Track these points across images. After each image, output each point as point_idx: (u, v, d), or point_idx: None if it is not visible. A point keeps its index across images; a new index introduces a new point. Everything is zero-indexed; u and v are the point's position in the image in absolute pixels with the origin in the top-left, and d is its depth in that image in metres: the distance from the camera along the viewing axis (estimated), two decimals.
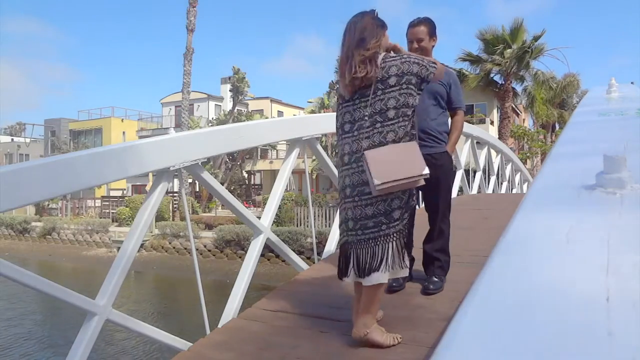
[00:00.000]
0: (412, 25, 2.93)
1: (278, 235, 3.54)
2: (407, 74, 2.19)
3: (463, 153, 7.71)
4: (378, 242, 2.19)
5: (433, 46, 2.95)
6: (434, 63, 2.29)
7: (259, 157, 29.29)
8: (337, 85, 2.45)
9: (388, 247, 2.18)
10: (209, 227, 19.24)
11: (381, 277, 2.19)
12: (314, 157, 12.28)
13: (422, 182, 2.21)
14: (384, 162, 2.11)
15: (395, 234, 2.19)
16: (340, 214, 2.34)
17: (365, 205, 2.19)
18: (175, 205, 21.03)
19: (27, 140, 38.71)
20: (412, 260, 3.08)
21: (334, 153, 23.98)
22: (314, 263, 3.95)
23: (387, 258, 2.18)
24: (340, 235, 2.41)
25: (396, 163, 2.11)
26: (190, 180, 20.88)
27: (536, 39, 20.30)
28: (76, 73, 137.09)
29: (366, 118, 2.20)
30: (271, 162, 28.39)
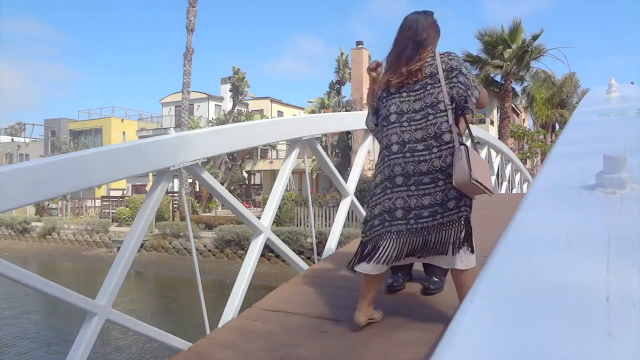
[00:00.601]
0: None
1: (278, 235, 3.54)
2: (455, 70, 2.27)
3: None
4: (431, 231, 2.22)
5: None
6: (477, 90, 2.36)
7: (259, 157, 29.29)
8: (380, 75, 2.45)
9: (444, 235, 2.22)
10: (209, 227, 19.24)
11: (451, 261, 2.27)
12: (314, 157, 12.28)
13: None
14: (477, 163, 2.17)
15: (448, 224, 2.22)
16: (380, 203, 2.29)
17: (422, 194, 2.20)
18: (175, 205, 21.03)
19: (27, 140, 38.72)
20: None
21: (333, 153, 23.99)
22: (314, 263, 3.95)
23: (451, 242, 2.23)
24: (376, 225, 2.29)
25: (482, 170, 2.20)
26: (190, 180, 20.88)
27: (535, 38, 20.30)
28: (76, 73, 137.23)
29: (417, 111, 2.25)
30: (271, 162, 28.39)
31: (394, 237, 2.24)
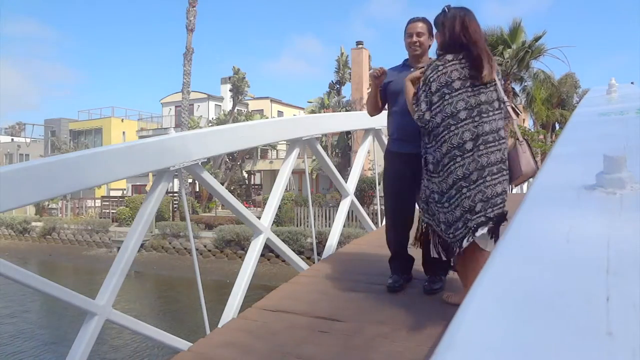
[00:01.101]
0: (413, 20, 2.99)
1: (278, 235, 3.54)
2: (498, 74, 2.47)
3: None
4: (504, 217, 2.37)
5: (430, 46, 2.99)
6: None
7: (259, 157, 29.27)
8: (436, 71, 2.40)
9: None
10: (209, 227, 19.23)
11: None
12: (314, 157, 12.27)
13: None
14: None
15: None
16: (459, 205, 2.34)
17: (495, 184, 2.35)
18: (175, 205, 21.02)
19: (27, 140, 38.70)
20: (411, 260, 3.08)
21: (333, 153, 23.97)
22: (314, 263, 3.95)
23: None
24: (460, 228, 2.35)
25: None
26: (190, 180, 20.86)
27: (537, 39, 20.27)
28: (75, 74, 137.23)
29: (481, 104, 2.36)
30: (271, 162, 28.37)
31: (477, 231, 2.33)
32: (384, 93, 3.03)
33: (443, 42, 2.45)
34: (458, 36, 2.35)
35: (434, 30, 2.62)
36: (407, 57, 3.07)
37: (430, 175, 2.44)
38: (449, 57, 2.36)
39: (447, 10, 2.44)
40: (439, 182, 2.39)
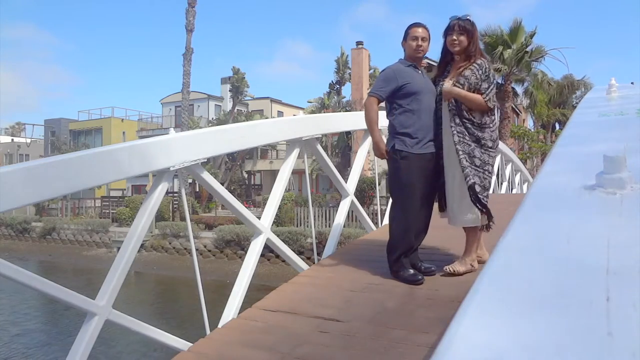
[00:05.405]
0: (418, 25, 3.26)
1: (278, 236, 3.54)
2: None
3: None
4: None
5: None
6: None
7: (259, 157, 29.27)
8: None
9: None
10: (209, 227, 19.22)
11: None
12: (314, 157, 12.25)
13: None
14: None
15: None
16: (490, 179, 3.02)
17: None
18: (175, 205, 21.02)
19: (28, 140, 38.69)
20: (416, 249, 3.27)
21: (333, 153, 23.96)
22: (314, 263, 3.94)
23: None
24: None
25: None
26: (190, 180, 20.86)
27: (531, 36, 20.21)
28: (74, 76, 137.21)
29: None
30: (271, 162, 28.36)
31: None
32: (395, 93, 3.09)
33: (475, 49, 2.97)
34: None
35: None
36: (402, 57, 3.24)
37: (487, 149, 2.96)
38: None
39: (471, 20, 2.94)
40: (493, 156, 2.98)
